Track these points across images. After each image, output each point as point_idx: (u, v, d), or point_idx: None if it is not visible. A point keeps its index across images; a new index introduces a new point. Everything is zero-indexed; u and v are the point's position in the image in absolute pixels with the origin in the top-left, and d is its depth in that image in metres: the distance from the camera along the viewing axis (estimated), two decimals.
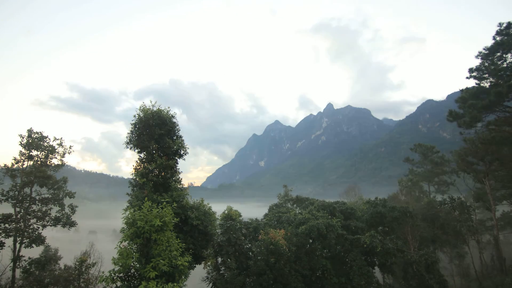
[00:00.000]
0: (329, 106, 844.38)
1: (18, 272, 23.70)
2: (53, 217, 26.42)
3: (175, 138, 21.47)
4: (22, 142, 26.07)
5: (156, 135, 20.21)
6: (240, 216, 26.68)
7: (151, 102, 20.78)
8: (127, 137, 20.52)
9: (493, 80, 29.89)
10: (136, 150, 20.49)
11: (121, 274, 12.75)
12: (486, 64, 29.86)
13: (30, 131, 26.59)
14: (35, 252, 26.13)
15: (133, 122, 20.38)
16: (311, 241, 25.90)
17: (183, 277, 13.65)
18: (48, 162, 27.29)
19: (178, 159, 21.59)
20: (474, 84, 31.74)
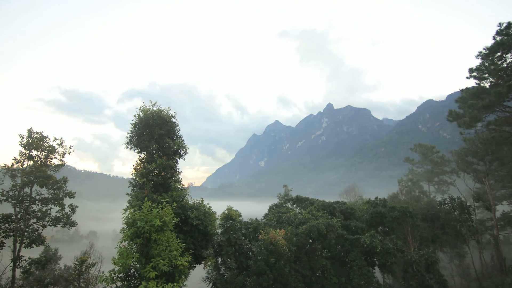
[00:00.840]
0: (329, 106, 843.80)
1: (18, 272, 23.70)
2: (53, 217, 26.41)
3: (175, 138, 21.48)
4: (22, 142, 26.05)
5: (156, 135, 20.22)
6: (240, 216, 26.67)
7: (151, 102, 20.80)
8: (127, 137, 20.54)
9: (493, 80, 29.87)
10: (136, 150, 20.50)
11: (121, 274, 12.75)
12: (486, 64, 29.84)
13: (30, 131, 26.58)
14: (35, 252, 26.15)
15: (133, 122, 20.39)
16: (311, 241, 25.90)
17: (183, 277, 13.65)
18: (48, 162, 27.28)
19: (178, 159, 21.61)
20: (474, 84, 31.75)
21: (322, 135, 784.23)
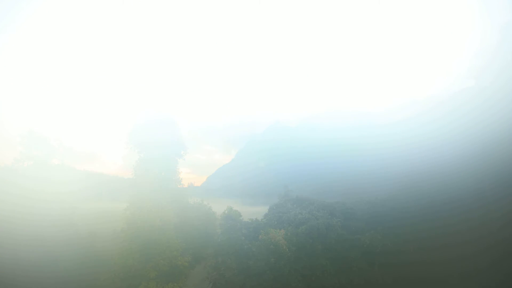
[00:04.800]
0: (328, 106, 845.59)
1: (18, 272, 23.66)
2: (53, 217, 26.38)
3: (175, 138, 21.49)
4: (23, 142, 26.04)
5: (156, 135, 20.23)
6: (240, 216, 26.68)
7: (151, 102, 20.80)
8: (127, 137, 20.55)
9: (493, 80, 29.91)
10: (137, 150, 20.53)
11: (121, 274, 12.76)
12: (486, 63, 29.85)
13: (30, 131, 26.56)
14: (35, 252, 26.08)
15: (134, 122, 20.41)
16: (311, 241, 25.89)
17: (183, 277, 13.65)
18: (48, 162, 27.26)
19: (178, 159, 21.63)
20: (474, 84, 31.77)
21: (322, 135, 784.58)
